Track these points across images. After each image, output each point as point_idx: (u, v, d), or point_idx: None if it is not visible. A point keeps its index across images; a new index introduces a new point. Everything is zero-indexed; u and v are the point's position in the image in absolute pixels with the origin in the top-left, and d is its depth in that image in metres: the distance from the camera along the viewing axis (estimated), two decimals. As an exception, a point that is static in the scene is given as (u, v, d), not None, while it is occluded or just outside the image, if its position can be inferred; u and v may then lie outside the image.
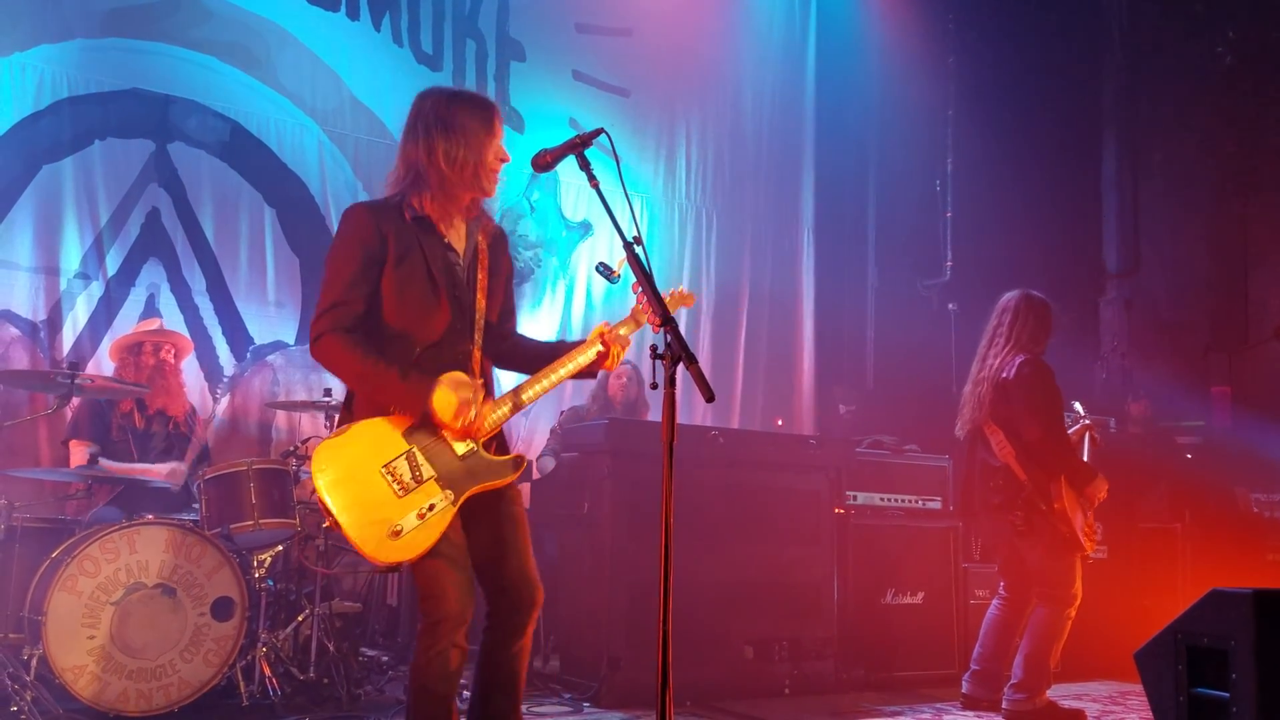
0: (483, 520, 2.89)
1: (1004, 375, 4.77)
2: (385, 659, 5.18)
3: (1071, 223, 8.35)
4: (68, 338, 5.93)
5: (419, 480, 2.76)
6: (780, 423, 8.04)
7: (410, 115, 3.00)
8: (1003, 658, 4.86)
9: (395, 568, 2.73)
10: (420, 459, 2.78)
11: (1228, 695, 2.74)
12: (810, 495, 5.36)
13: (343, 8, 6.95)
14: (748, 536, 5.11)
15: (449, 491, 2.78)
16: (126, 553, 4.05)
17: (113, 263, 6.10)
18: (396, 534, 2.71)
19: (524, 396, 2.94)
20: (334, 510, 2.69)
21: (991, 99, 8.36)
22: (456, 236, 2.97)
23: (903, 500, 5.72)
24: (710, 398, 2.53)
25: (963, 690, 4.94)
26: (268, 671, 4.35)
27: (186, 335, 5.58)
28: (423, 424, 2.78)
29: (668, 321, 2.61)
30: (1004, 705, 4.72)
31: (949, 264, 8.56)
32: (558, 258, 7.69)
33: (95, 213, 6.08)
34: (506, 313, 3.09)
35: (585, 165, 2.87)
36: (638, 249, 2.74)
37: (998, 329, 4.93)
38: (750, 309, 8.44)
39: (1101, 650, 5.84)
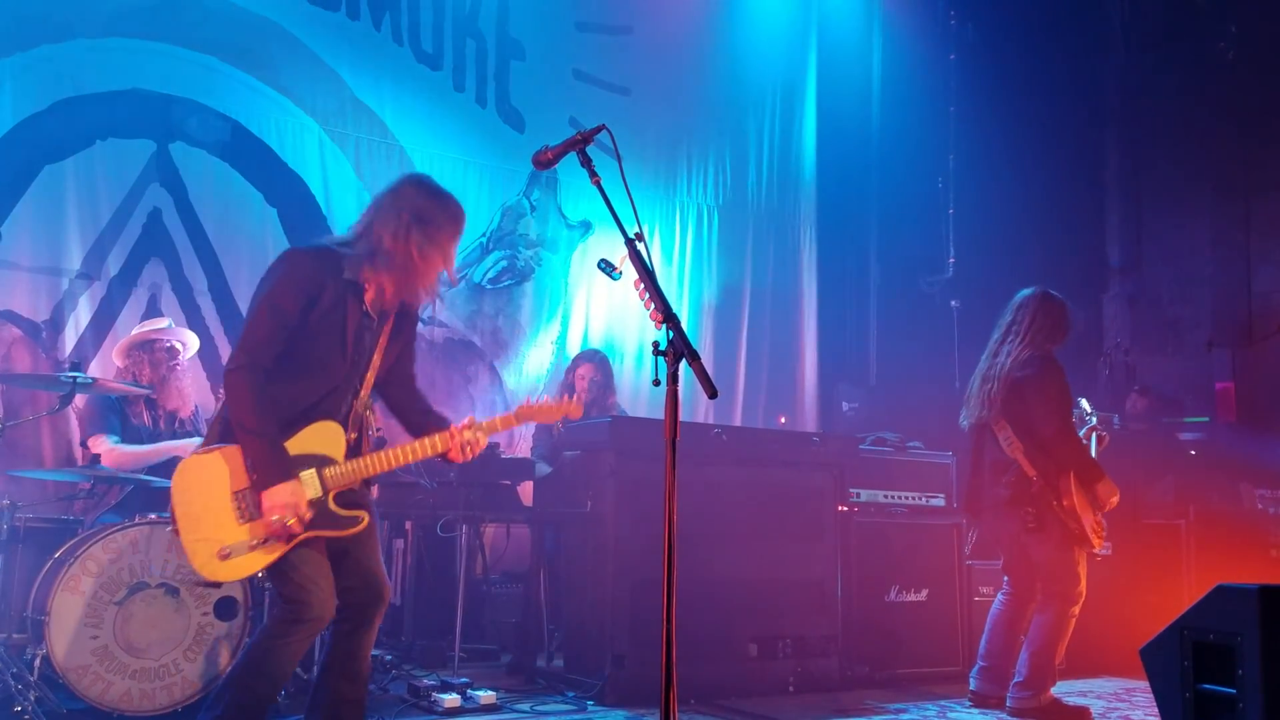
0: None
1: (1016, 374, 4.77)
2: (388, 658, 5.17)
3: (1074, 219, 8.33)
4: (70, 338, 5.93)
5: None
6: (783, 420, 8.03)
7: (394, 195, 3.20)
8: (1009, 654, 4.85)
9: (217, 585, 2.97)
10: None
11: (1234, 691, 2.73)
12: (814, 492, 5.35)
13: (343, 7, 6.94)
14: (751, 534, 5.10)
15: None
16: (129, 552, 4.04)
17: (114, 263, 6.09)
18: (225, 555, 2.98)
19: (370, 467, 3.19)
20: (176, 518, 3.00)
21: (994, 95, 8.34)
22: (375, 303, 3.20)
23: (906, 497, 5.71)
24: (713, 394, 2.53)
25: (971, 687, 4.93)
26: (271, 671, 4.34)
27: (194, 335, 5.51)
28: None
29: (670, 318, 2.60)
30: (1008, 703, 4.71)
31: (952, 261, 8.55)
32: (558, 256, 7.68)
33: (97, 213, 6.07)
34: (405, 370, 3.39)
35: (587, 162, 2.87)
36: (639, 245, 2.73)
37: (1013, 325, 4.92)
38: (752, 306, 8.43)
39: (1106, 646, 5.84)
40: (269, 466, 3.00)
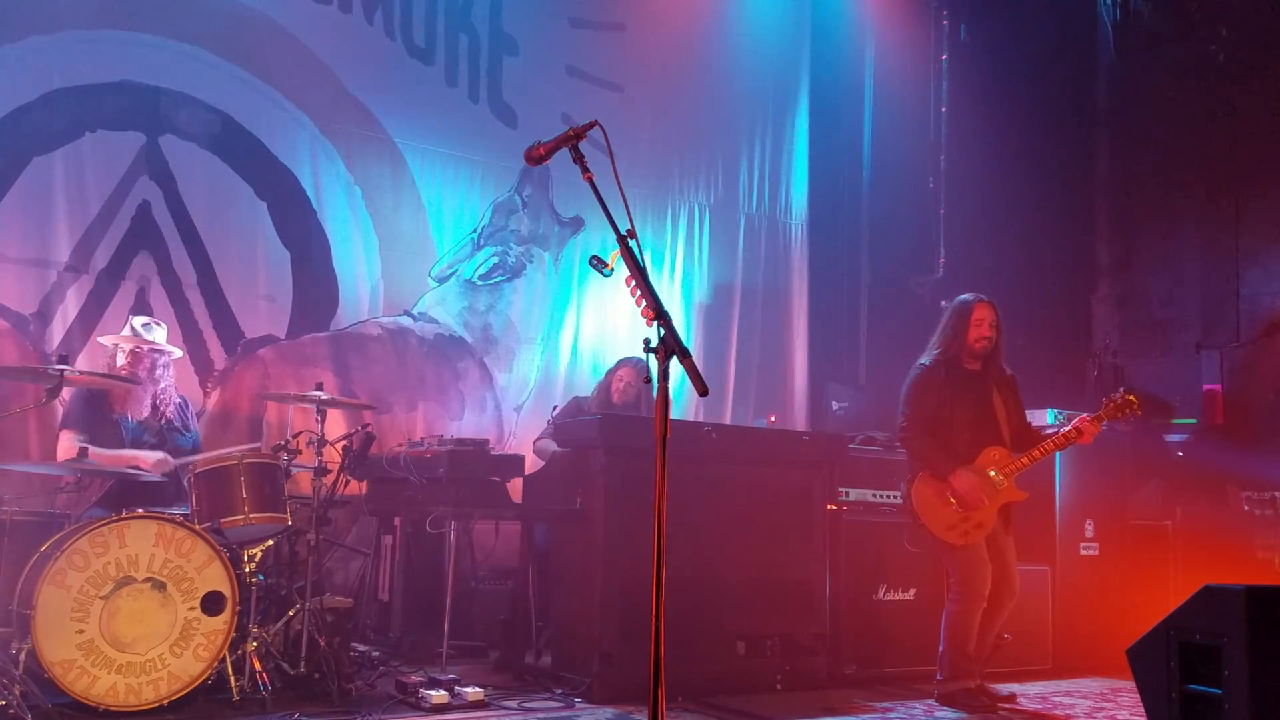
0: None
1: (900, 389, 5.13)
2: (376, 654, 5.16)
3: (1064, 219, 8.35)
4: (57, 330, 5.90)
5: None
6: (773, 419, 8.03)
7: None
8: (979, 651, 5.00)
9: None
10: None
11: (1220, 691, 2.74)
12: (803, 491, 5.36)
13: (335, 1, 6.91)
14: (740, 532, 5.10)
15: None
16: (116, 547, 4.03)
17: (103, 255, 6.06)
18: None
19: None
20: None
21: (984, 96, 8.35)
22: None
23: (895, 497, 5.72)
24: (704, 391, 2.53)
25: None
26: (258, 666, 4.33)
27: (168, 349, 5.23)
28: None
29: (661, 315, 2.60)
30: (935, 691, 4.93)
31: (942, 261, 8.56)
32: (549, 253, 7.67)
33: (85, 205, 6.04)
34: None
35: (579, 158, 2.86)
36: (631, 242, 2.73)
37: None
38: (743, 305, 8.44)
39: (1093, 646, 5.86)
40: None
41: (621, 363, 6.43)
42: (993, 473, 4.88)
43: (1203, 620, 2.84)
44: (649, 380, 2.58)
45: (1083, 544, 6.26)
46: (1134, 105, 8.22)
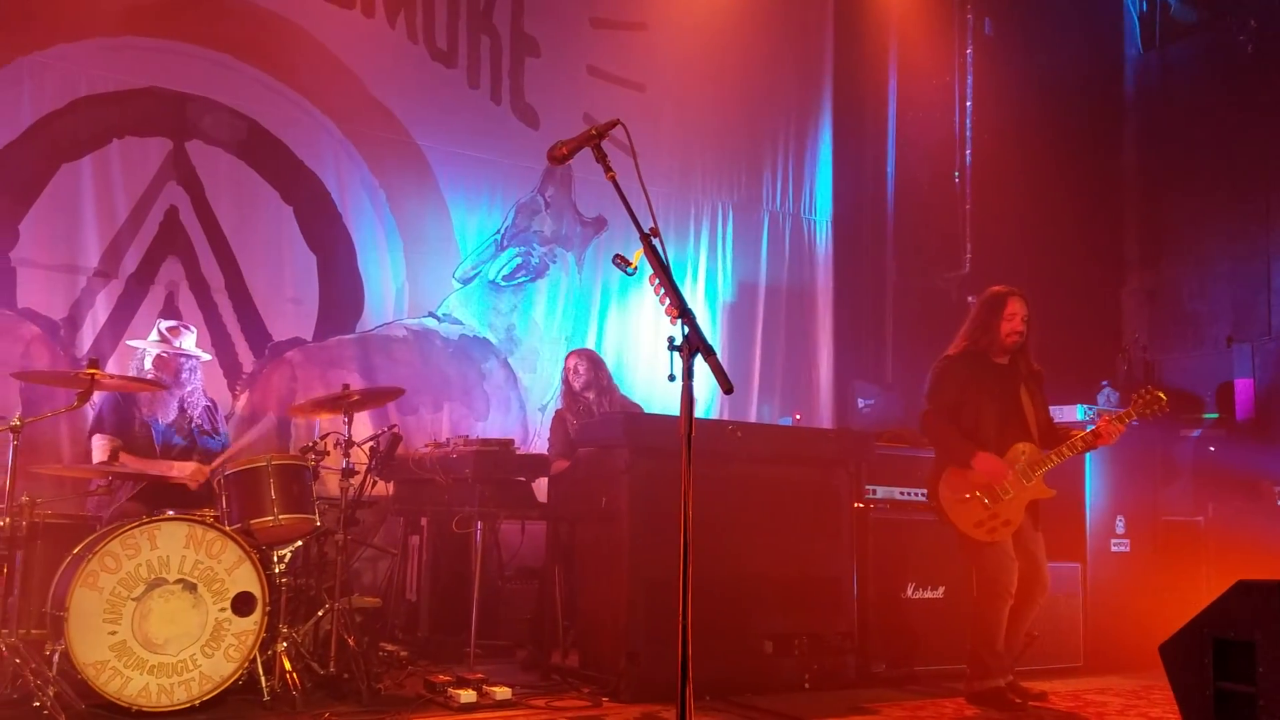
0: None
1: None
2: (404, 654, 5.17)
3: (1092, 213, 8.28)
4: (87, 335, 5.96)
5: None
6: (798, 417, 8.01)
7: None
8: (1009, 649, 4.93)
9: None
10: None
11: (1254, 689, 2.71)
12: (829, 489, 5.33)
13: (358, 5, 6.95)
14: (766, 531, 5.08)
15: None
16: (147, 548, 4.06)
17: (131, 261, 6.12)
18: None
19: None
20: None
21: (1009, 90, 8.30)
22: None
23: (922, 494, 5.67)
24: (728, 389, 2.52)
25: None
26: (288, 666, 4.35)
27: (195, 353, 5.24)
28: None
29: (685, 313, 2.59)
30: (965, 690, 4.89)
31: (968, 256, 8.50)
32: (573, 253, 7.68)
33: (114, 211, 6.11)
34: None
35: (601, 157, 2.86)
36: (654, 240, 2.73)
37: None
38: (767, 303, 8.41)
39: (1125, 643, 5.80)
40: None
41: (568, 355, 6.39)
42: (1022, 469, 4.83)
43: (1236, 617, 2.81)
44: (672, 378, 2.57)
45: (1114, 541, 6.20)
46: (1162, 98, 8.15)
